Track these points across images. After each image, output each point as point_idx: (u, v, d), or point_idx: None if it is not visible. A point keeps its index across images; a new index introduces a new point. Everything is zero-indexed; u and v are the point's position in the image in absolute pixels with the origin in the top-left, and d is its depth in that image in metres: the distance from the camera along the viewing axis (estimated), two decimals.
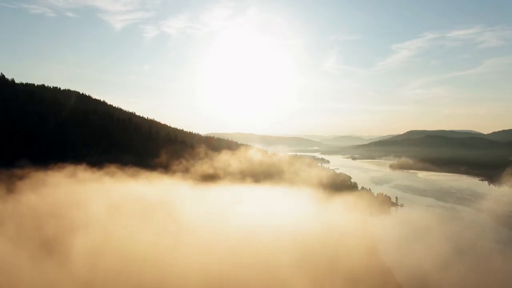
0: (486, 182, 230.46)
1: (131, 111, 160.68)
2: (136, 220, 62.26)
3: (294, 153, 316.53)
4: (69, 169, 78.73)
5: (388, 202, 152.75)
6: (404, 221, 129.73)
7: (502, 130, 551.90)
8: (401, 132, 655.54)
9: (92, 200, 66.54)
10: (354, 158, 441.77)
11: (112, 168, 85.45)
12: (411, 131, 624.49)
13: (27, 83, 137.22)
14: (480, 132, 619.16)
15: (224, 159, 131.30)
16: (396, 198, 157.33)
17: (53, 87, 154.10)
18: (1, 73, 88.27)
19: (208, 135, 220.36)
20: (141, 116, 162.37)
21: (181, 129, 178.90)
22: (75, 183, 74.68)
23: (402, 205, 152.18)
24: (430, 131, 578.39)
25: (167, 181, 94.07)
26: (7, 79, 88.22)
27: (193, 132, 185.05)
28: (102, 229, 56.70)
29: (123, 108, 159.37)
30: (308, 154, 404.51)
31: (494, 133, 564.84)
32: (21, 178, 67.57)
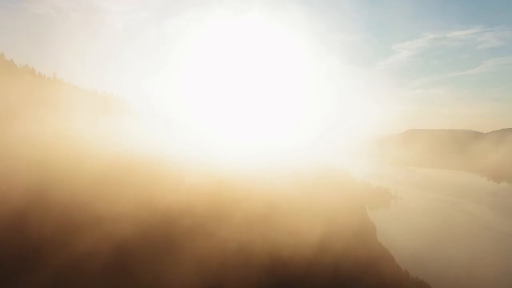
0: (485, 178, 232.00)
1: None
2: None
3: None
4: None
5: (388, 195, 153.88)
6: (401, 213, 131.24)
7: (501, 129, 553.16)
8: (401, 132, 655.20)
9: None
10: (354, 155, 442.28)
11: None
12: (411, 130, 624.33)
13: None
14: (480, 132, 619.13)
15: None
16: (396, 191, 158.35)
17: None
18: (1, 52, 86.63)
19: None
20: None
21: None
22: None
23: (401, 198, 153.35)
24: (430, 130, 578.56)
25: None
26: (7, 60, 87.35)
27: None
28: None
29: None
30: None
31: (493, 132, 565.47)
32: None
